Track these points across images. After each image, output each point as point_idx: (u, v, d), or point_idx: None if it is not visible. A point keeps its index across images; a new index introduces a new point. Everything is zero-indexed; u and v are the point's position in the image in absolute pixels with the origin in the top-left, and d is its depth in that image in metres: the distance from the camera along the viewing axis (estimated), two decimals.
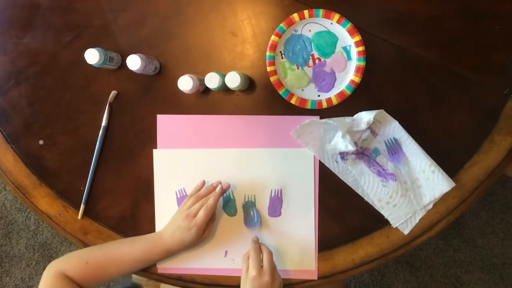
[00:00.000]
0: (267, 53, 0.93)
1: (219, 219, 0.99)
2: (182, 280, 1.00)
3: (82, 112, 0.99)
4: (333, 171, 0.96)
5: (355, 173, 0.95)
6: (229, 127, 0.97)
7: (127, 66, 0.89)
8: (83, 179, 0.99)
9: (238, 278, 0.98)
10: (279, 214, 0.98)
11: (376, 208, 0.95)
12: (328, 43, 0.94)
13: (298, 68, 0.95)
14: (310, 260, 0.98)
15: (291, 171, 0.97)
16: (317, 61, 0.94)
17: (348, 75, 0.94)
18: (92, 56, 0.89)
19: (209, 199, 0.91)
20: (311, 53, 0.94)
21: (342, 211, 0.97)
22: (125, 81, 0.98)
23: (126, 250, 0.93)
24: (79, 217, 1.01)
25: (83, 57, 0.89)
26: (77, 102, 0.99)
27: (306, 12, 0.92)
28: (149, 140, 0.99)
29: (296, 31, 0.94)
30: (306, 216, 0.97)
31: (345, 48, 0.94)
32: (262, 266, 0.87)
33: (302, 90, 0.95)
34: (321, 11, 0.92)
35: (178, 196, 0.99)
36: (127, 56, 0.89)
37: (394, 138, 0.94)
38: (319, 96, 0.95)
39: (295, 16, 0.92)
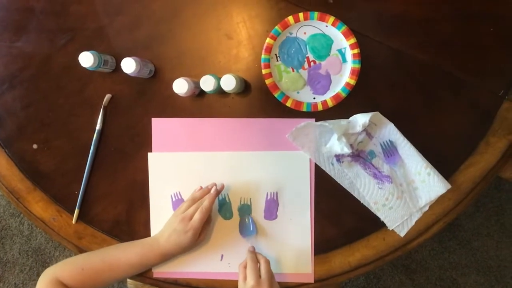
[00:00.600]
0: (262, 56, 0.93)
1: (215, 223, 0.98)
2: (178, 284, 0.99)
3: (76, 115, 0.98)
4: (329, 173, 0.95)
5: (351, 176, 0.95)
6: (225, 130, 0.97)
7: (121, 69, 0.89)
8: (78, 183, 0.99)
9: (234, 282, 0.97)
10: (275, 217, 0.97)
11: (372, 210, 0.95)
12: (323, 45, 0.94)
13: (293, 71, 0.95)
14: (306, 263, 0.97)
15: (287, 173, 0.97)
16: (312, 63, 0.94)
17: (343, 77, 0.94)
18: (86, 59, 0.89)
19: (204, 201, 0.91)
20: (306, 55, 0.94)
21: (338, 214, 0.97)
22: (120, 84, 0.97)
23: (122, 255, 0.92)
24: (74, 221, 1.00)
25: (77, 60, 0.89)
26: (71, 105, 0.98)
27: (301, 14, 0.92)
28: (144, 144, 0.98)
29: (291, 33, 0.94)
30: (302, 219, 0.97)
31: (340, 51, 0.94)
32: (260, 276, 0.86)
33: (298, 92, 0.95)
34: (316, 14, 0.92)
35: (174, 199, 0.99)
36: (121, 59, 0.89)
37: (389, 140, 0.94)
38: (314, 98, 0.95)
39: (290, 18, 0.92)
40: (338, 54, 0.94)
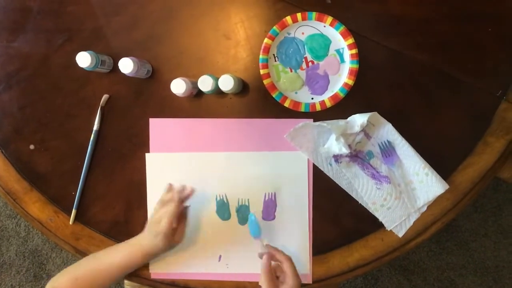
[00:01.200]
0: (260, 56, 0.93)
1: (213, 223, 0.98)
2: (175, 286, 0.99)
3: (73, 116, 0.98)
4: (327, 174, 0.95)
5: (349, 176, 0.95)
6: (223, 130, 0.97)
7: (119, 70, 0.88)
8: (75, 184, 0.98)
9: (232, 282, 0.98)
10: (273, 218, 0.97)
11: (371, 211, 0.95)
12: (321, 46, 0.94)
13: (291, 71, 0.94)
14: (304, 263, 0.97)
15: (285, 174, 0.97)
16: (310, 64, 0.94)
17: (341, 77, 0.94)
18: (83, 59, 0.88)
19: (169, 206, 0.89)
20: (304, 56, 0.94)
21: (336, 214, 0.97)
22: (117, 84, 0.97)
23: (110, 260, 0.91)
24: (71, 222, 0.99)
25: (75, 61, 0.88)
26: (69, 106, 0.98)
27: (299, 15, 0.92)
28: (142, 144, 0.98)
29: (289, 34, 0.94)
30: (300, 220, 0.97)
31: (338, 51, 0.94)
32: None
33: (296, 93, 0.95)
34: (314, 14, 0.92)
35: None
36: (119, 60, 0.88)
37: (387, 140, 0.94)
38: (312, 99, 0.95)
39: (288, 19, 0.92)
40: (336, 55, 0.94)
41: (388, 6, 0.93)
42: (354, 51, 0.92)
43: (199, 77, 0.89)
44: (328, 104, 0.94)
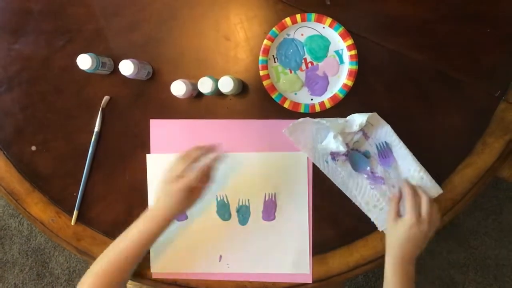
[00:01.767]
0: (260, 57, 0.94)
1: (213, 224, 0.99)
2: (177, 285, 1.00)
3: (74, 117, 0.99)
4: (322, 171, 0.96)
5: (344, 174, 0.95)
6: (222, 131, 0.97)
7: (119, 71, 0.89)
8: (76, 185, 0.99)
9: (233, 282, 0.98)
10: (273, 218, 0.98)
11: (364, 211, 0.96)
12: (321, 47, 0.94)
13: (291, 72, 0.95)
14: (304, 263, 0.98)
15: (285, 175, 0.97)
16: (309, 65, 0.94)
17: (340, 78, 0.94)
18: (84, 61, 0.89)
19: (201, 162, 0.86)
20: (304, 57, 0.94)
21: (336, 215, 0.97)
22: (118, 86, 0.98)
23: (134, 236, 0.86)
24: (72, 223, 1.00)
25: (76, 62, 0.89)
26: (70, 107, 0.99)
27: (298, 16, 0.92)
28: (142, 145, 0.98)
29: (288, 35, 0.94)
30: (300, 220, 0.97)
31: (337, 52, 0.94)
32: (420, 213, 0.86)
33: (295, 94, 0.95)
34: (313, 15, 0.92)
35: None
36: (119, 61, 0.89)
37: (385, 142, 0.94)
38: (312, 100, 0.95)
39: (288, 20, 0.92)
40: (335, 56, 0.94)
41: (387, 7, 0.93)
42: (353, 52, 0.93)
43: (199, 78, 0.89)
44: (328, 105, 0.94)
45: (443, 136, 0.95)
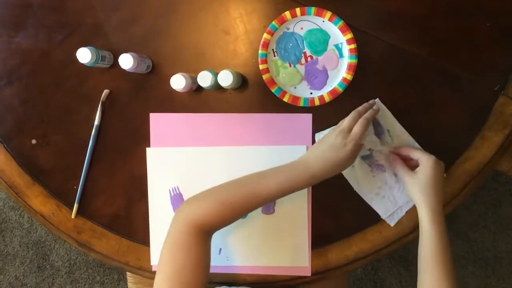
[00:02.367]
0: (259, 51, 0.94)
1: None
2: None
3: (74, 111, 0.99)
4: None
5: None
6: (222, 125, 0.98)
7: (119, 65, 0.89)
8: (77, 178, 0.99)
9: (233, 275, 0.99)
10: (273, 211, 0.98)
11: (366, 200, 0.96)
12: (320, 40, 0.94)
13: (290, 66, 0.95)
14: (303, 256, 0.98)
15: None
16: (309, 58, 0.95)
17: (340, 72, 0.95)
18: (84, 55, 0.89)
19: (366, 114, 0.86)
20: (303, 51, 0.94)
21: (335, 208, 0.98)
22: (118, 80, 0.98)
23: (269, 183, 0.83)
24: (73, 216, 1.01)
25: (75, 56, 0.89)
26: (70, 101, 0.99)
27: (298, 10, 0.92)
28: (142, 139, 0.99)
29: (288, 29, 0.94)
30: (299, 213, 0.98)
31: (337, 46, 0.94)
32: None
33: (295, 87, 0.95)
34: (313, 9, 0.92)
35: (172, 194, 0.99)
36: (119, 55, 0.89)
37: (388, 130, 0.95)
38: (311, 93, 0.95)
39: (287, 14, 0.92)
40: (335, 49, 0.94)
41: (387, 2, 0.93)
42: (353, 46, 0.93)
43: (199, 72, 0.89)
44: (327, 99, 0.94)
45: (442, 130, 0.95)
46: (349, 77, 0.93)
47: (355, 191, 0.96)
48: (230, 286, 0.96)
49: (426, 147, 0.94)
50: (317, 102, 0.94)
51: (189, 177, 0.99)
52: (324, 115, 0.96)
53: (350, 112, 0.90)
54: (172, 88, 0.89)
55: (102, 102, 0.98)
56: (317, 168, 0.82)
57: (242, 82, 0.96)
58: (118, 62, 0.89)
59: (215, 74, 0.90)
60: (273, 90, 0.94)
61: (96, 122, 0.98)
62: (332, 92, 0.94)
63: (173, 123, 0.98)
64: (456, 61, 0.93)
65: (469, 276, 1.82)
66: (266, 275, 0.99)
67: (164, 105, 0.98)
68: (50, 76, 0.99)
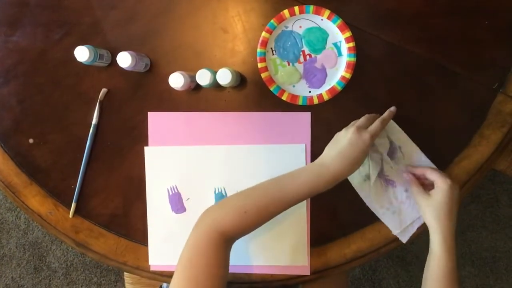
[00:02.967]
0: (258, 50, 0.93)
1: None
2: None
3: (72, 110, 0.98)
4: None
5: (363, 173, 0.95)
6: (221, 123, 0.97)
7: (117, 64, 0.89)
8: (74, 178, 0.99)
9: (231, 274, 0.98)
10: None
11: (378, 215, 0.96)
12: (319, 39, 0.94)
13: (289, 65, 0.95)
14: (302, 255, 0.98)
15: (283, 167, 0.97)
16: (308, 57, 0.94)
17: (338, 71, 0.94)
18: (81, 53, 0.89)
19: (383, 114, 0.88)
20: (302, 49, 0.94)
21: (334, 207, 0.98)
22: (116, 78, 0.97)
23: (292, 189, 0.82)
24: (70, 215, 1.00)
25: (73, 55, 0.88)
26: (67, 100, 0.98)
27: (296, 8, 0.92)
28: (140, 138, 0.98)
29: (286, 27, 0.94)
30: (298, 212, 0.97)
31: (335, 44, 0.94)
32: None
33: (293, 86, 0.95)
34: (311, 7, 0.92)
35: (170, 193, 0.99)
36: (117, 53, 0.89)
37: (399, 146, 0.95)
38: (310, 92, 0.95)
39: (286, 12, 0.92)
40: (333, 48, 0.94)
41: (386, 0, 0.93)
42: (351, 44, 0.92)
43: (197, 70, 0.89)
44: (326, 97, 0.94)
45: (440, 128, 0.95)
46: (348, 75, 0.93)
47: (354, 190, 0.96)
48: (228, 284, 0.96)
49: (425, 145, 0.94)
50: (315, 101, 0.94)
51: (187, 176, 0.98)
52: (323, 114, 0.96)
53: (349, 110, 0.91)
54: (170, 87, 0.89)
55: (100, 101, 0.97)
56: (337, 168, 0.82)
57: (240, 80, 0.96)
58: (116, 61, 0.89)
59: (214, 73, 0.90)
60: (271, 89, 0.94)
61: (94, 121, 0.97)
62: (331, 90, 0.94)
63: (172, 122, 0.98)
64: (455, 59, 0.93)
65: (467, 276, 1.82)
66: (265, 274, 0.99)
67: (162, 103, 0.97)
68: (47, 75, 0.98)
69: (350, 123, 0.91)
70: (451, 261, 0.86)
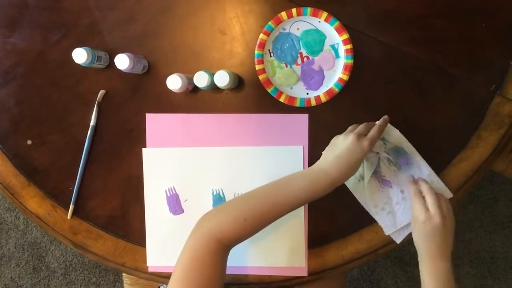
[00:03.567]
0: (256, 52, 0.94)
1: None
2: None
3: (70, 111, 0.99)
4: None
5: (358, 174, 0.95)
6: (218, 125, 0.98)
7: (115, 65, 0.89)
8: (72, 179, 0.99)
9: (229, 276, 0.99)
10: None
11: (371, 214, 0.96)
12: (316, 41, 0.94)
13: (286, 66, 0.95)
14: (300, 257, 0.98)
15: (280, 168, 0.97)
16: (305, 59, 0.95)
17: (336, 73, 0.95)
18: (79, 55, 0.89)
19: (379, 122, 0.88)
20: (300, 51, 0.94)
21: (332, 208, 0.98)
22: (114, 80, 0.97)
23: (287, 194, 0.83)
24: (69, 217, 1.00)
25: (71, 57, 0.89)
26: (65, 101, 0.98)
27: (294, 10, 0.92)
28: (138, 139, 0.99)
29: (284, 29, 0.94)
30: (296, 213, 0.97)
31: (333, 46, 0.94)
32: (427, 209, 0.87)
33: (291, 88, 0.95)
34: (309, 9, 0.92)
35: (168, 194, 0.99)
36: (115, 55, 0.89)
37: (398, 146, 0.95)
38: (307, 94, 0.95)
39: (283, 14, 0.92)
40: (331, 50, 0.94)
41: (383, 1, 0.93)
42: (349, 46, 0.93)
43: (195, 72, 0.89)
44: (323, 99, 0.94)
45: (438, 130, 0.95)
46: (345, 77, 0.93)
47: (351, 191, 0.96)
48: (226, 286, 0.96)
49: (423, 147, 0.94)
50: (313, 103, 0.94)
51: (185, 178, 0.99)
52: (321, 116, 0.96)
53: (346, 112, 0.91)
54: (168, 89, 0.89)
55: (98, 102, 0.97)
56: (335, 174, 0.83)
57: (238, 82, 0.96)
58: (114, 63, 0.89)
59: (211, 75, 0.90)
60: (269, 91, 0.94)
61: (92, 122, 0.98)
62: (328, 92, 0.94)
63: (169, 123, 0.98)
64: (452, 61, 0.93)
65: (465, 276, 1.83)
66: (263, 276, 0.99)
67: (160, 105, 0.98)
68: (45, 77, 0.98)
69: (347, 125, 0.92)
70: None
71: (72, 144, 0.99)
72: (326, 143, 0.88)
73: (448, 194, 0.94)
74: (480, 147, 0.95)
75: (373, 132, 0.85)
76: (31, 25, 0.97)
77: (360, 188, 0.95)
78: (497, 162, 0.99)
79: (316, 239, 0.98)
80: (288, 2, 0.94)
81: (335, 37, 0.94)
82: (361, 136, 0.84)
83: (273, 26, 0.93)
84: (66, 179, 1.00)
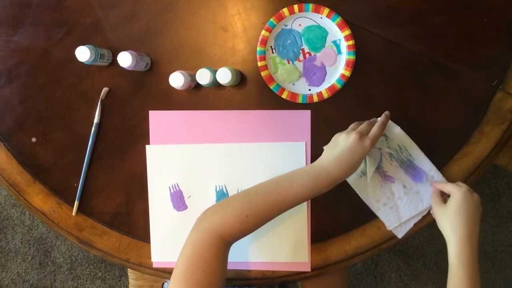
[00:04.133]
0: (258, 48, 0.94)
1: None
2: None
3: (74, 109, 0.99)
4: None
5: (360, 169, 0.96)
6: (221, 122, 0.98)
7: (118, 63, 0.89)
8: (77, 176, 1.00)
9: (232, 271, 1.00)
10: None
11: (373, 209, 0.96)
12: (318, 37, 0.94)
13: (288, 63, 0.95)
14: (303, 252, 0.99)
15: (283, 164, 0.98)
16: (307, 55, 0.95)
17: (338, 69, 0.95)
18: (83, 53, 0.89)
19: (379, 119, 0.89)
20: (302, 47, 0.95)
21: (334, 203, 0.98)
22: (117, 77, 0.98)
23: (289, 191, 0.83)
24: (73, 213, 1.01)
25: (74, 55, 0.89)
26: (69, 99, 0.99)
27: (296, 6, 0.92)
28: (142, 136, 0.99)
29: (286, 25, 0.94)
30: (299, 209, 0.98)
31: (335, 42, 0.94)
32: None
33: (293, 84, 0.96)
34: (310, 6, 0.92)
35: (172, 191, 1.00)
36: (118, 53, 0.89)
37: (402, 144, 0.95)
38: (310, 90, 0.96)
39: (285, 10, 0.93)
40: (333, 46, 0.94)
41: None
42: (351, 42, 0.93)
43: (198, 69, 0.90)
44: (326, 95, 0.94)
45: (440, 125, 0.95)
46: (347, 73, 0.93)
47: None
48: (230, 281, 0.97)
49: (425, 142, 0.94)
50: (315, 99, 0.95)
51: (188, 174, 0.99)
52: (323, 112, 0.96)
53: (348, 108, 0.91)
54: (171, 86, 0.89)
55: (101, 100, 0.98)
56: (337, 172, 0.83)
57: (240, 79, 0.96)
58: (117, 60, 0.90)
59: (214, 72, 0.90)
60: (271, 87, 0.95)
61: (96, 120, 0.98)
62: (331, 88, 0.94)
63: (172, 120, 0.99)
64: (454, 56, 0.93)
65: None
66: (266, 271, 1.00)
67: (163, 102, 0.98)
68: (49, 75, 0.99)
69: (350, 120, 0.92)
70: (468, 277, 0.85)
71: (76, 141, 1.00)
72: (329, 139, 0.89)
73: None
74: (482, 142, 0.95)
75: (374, 130, 0.85)
76: (34, 23, 0.98)
77: (362, 183, 0.96)
78: (500, 156, 0.99)
79: (319, 234, 0.99)
80: None
81: (337, 33, 0.94)
82: (363, 135, 0.84)
83: (275, 22, 0.93)
84: (71, 176, 1.00)
